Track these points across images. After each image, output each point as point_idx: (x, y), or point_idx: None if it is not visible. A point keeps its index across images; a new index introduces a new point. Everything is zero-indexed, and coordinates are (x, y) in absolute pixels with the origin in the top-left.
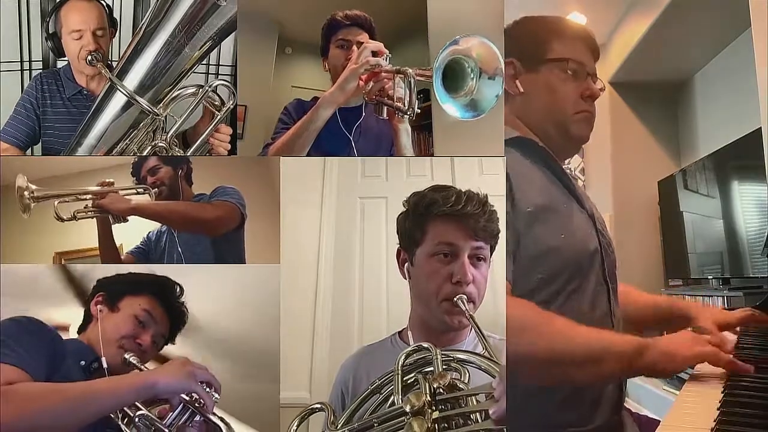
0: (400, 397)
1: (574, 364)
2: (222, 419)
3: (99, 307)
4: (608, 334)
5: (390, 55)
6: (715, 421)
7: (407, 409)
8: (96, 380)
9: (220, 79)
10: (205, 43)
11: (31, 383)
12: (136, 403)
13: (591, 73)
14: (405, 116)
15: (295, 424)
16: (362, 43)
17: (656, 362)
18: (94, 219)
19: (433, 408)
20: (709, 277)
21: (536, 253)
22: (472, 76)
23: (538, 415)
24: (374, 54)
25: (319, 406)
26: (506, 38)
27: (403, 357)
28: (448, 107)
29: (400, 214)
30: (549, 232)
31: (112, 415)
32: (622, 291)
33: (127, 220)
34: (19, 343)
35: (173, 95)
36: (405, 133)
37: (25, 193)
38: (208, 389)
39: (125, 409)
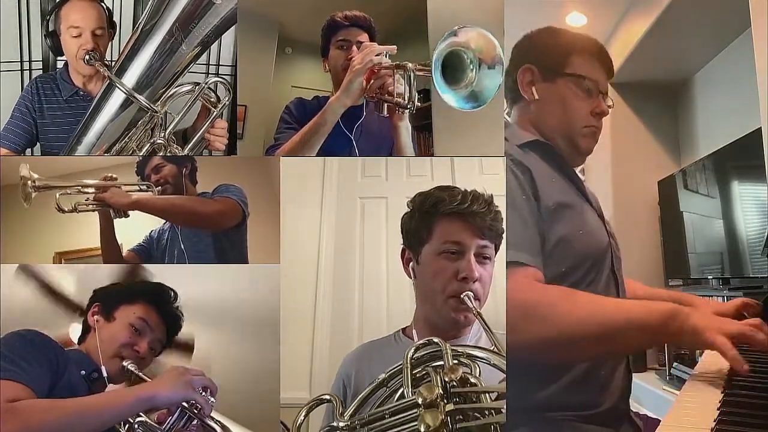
0: (410, 390)
1: (597, 340)
2: (219, 422)
3: (95, 317)
4: (630, 305)
5: (389, 52)
6: (715, 421)
7: (419, 401)
8: (96, 395)
9: (219, 77)
10: (201, 41)
11: (34, 400)
12: None
13: (603, 92)
14: (405, 113)
15: (303, 413)
16: (362, 43)
17: (682, 333)
18: (96, 216)
19: (446, 400)
20: (709, 277)
21: (559, 246)
22: (471, 67)
23: (546, 398)
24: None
25: (328, 397)
26: (528, 43)
27: (412, 350)
28: (448, 97)
29: (405, 213)
30: (569, 227)
31: None
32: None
33: (128, 215)
34: (22, 358)
35: (171, 92)
36: (405, 130)
37: (28, 182)
38: (204, 393)
39: None
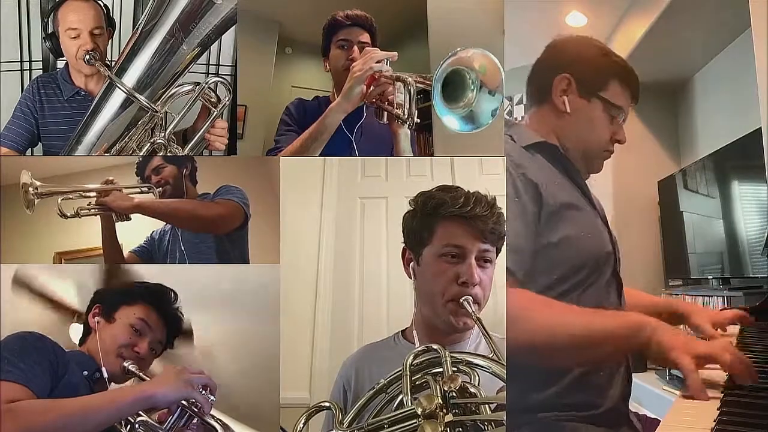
0: (410, 398)
1: (574, 348)
2: (219, 420)
3: (96, 318)
4: (604, 316)
5: (390, 59)
6: (715, 421)
7: (419, 411)
8: (95, 395)
9: (219, 77)
10: (201, 41)
11: (33, 401)
12: None
13: (625, 119)
14: (405, 123)
15: (302, 421)
16: (363, 42)
17: (648, 347)
18: (97, 218)
19: (445, 411)
20: (709, 277)
21: (562, 247)
22: (472, 87)
23: (546, 398)
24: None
25: (328, 404)
26: (569, 50)
27: (411, 357)
28: (447, 119)
29: (407, 212)
30: (573, 228)
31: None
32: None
33: (130, 218)
34: (23, 360)
35: (171, 92)
36: (404, 137)
37: (30, 189)
38: (203, 391)
39: None
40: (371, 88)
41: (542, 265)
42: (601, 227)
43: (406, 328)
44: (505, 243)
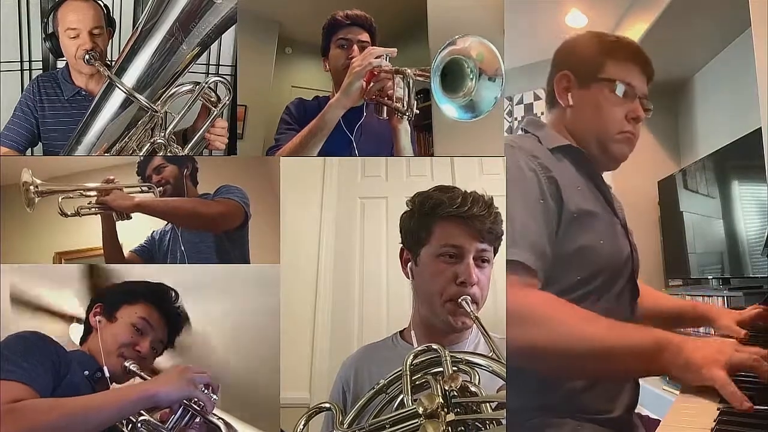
0: (410, 397)
1: (585, 358)
2: (222, 419)
3: (98, 318)
4: (627, 329)
5: (389, 55)
6: (715, 421)
7: (420, 411)
8: (98, 394)
9: (219, 77)
10: (201, 41)
11: (35, 400)
12: None
13: (641, 96)
14: (404, 117)
15: (302, 422)
16: (363, 42)
17: (673, 366)
18: (97, 218)
19: (447, 410)
20: (709, 277)
21: (577, 255)
22: (471, 76)
23: (556, 400)
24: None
25: (328, 405)
26: (567, 50)
27: (411, 357)
28: (446, 108)
29: (404, 213)
30: (590, 236)
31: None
32: (642, 291)
33: (131, 218)
34: (25, 359)
35: (171, 92)
36: (404, 132)
37: (31, 187)
38: (206, 390)
39: None
40: (371, 84)
41: (557, 271)
42: (620, 233)
43: (405, 329)
44: (504, 242)
